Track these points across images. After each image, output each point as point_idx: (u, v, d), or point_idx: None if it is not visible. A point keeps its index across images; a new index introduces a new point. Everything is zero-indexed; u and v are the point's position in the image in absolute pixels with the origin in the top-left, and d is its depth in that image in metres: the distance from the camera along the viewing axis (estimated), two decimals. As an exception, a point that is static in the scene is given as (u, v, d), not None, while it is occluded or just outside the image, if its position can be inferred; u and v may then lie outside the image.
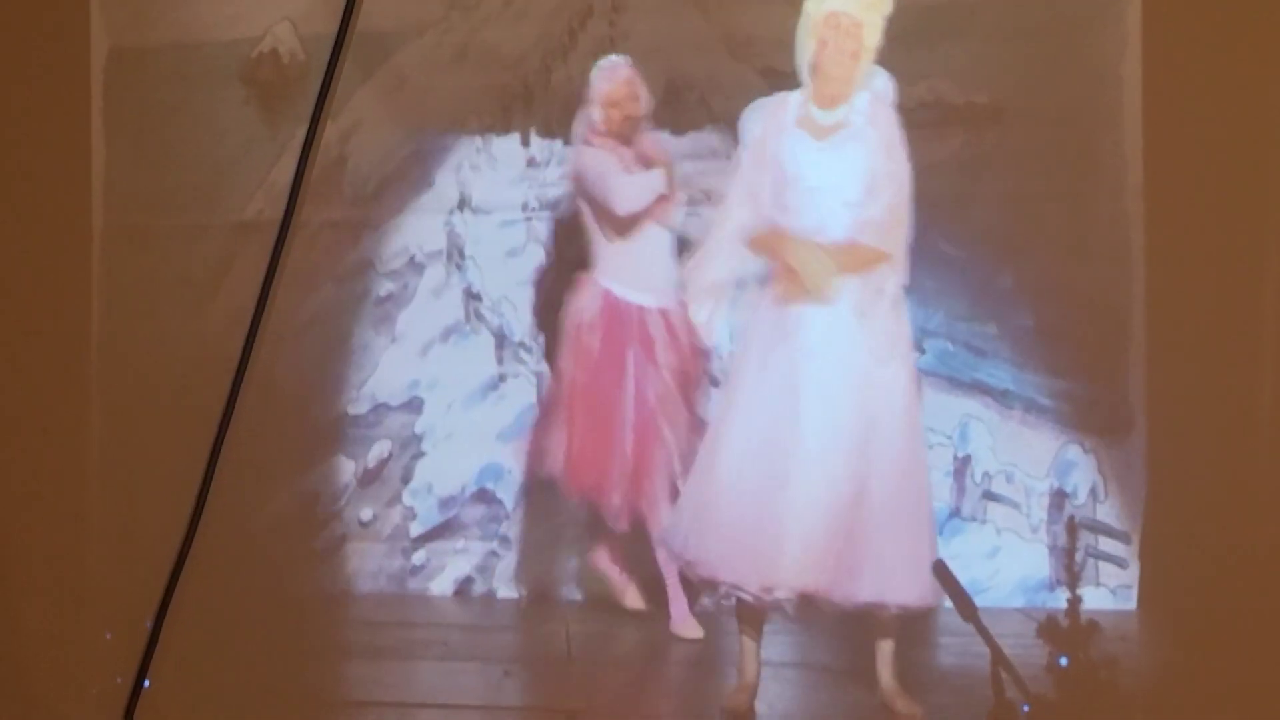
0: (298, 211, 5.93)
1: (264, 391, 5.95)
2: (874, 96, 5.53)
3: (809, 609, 5.44)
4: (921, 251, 5.54)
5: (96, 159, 6.12)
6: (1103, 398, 5.47)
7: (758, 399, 5.51)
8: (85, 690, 5.98)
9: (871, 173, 5.48)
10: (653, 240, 5.81)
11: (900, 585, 5.38)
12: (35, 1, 6.11)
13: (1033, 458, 5.53)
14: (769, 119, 5.58)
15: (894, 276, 5.46)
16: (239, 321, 5.93)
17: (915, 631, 5.50)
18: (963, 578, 5.35)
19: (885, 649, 5.47)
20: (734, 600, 5.53)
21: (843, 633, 5.53)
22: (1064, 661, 5.31)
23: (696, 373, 5.81)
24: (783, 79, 5.67)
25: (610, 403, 5.82)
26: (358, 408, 5.94)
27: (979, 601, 5.33)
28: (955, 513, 5.59)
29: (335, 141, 5.96)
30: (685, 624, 5.73)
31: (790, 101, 5.58)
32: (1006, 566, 5.48)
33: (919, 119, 5.60)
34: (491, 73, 5.87)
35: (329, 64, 5.91)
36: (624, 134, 5.80)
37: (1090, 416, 5.48)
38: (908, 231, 5.48)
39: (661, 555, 5.70)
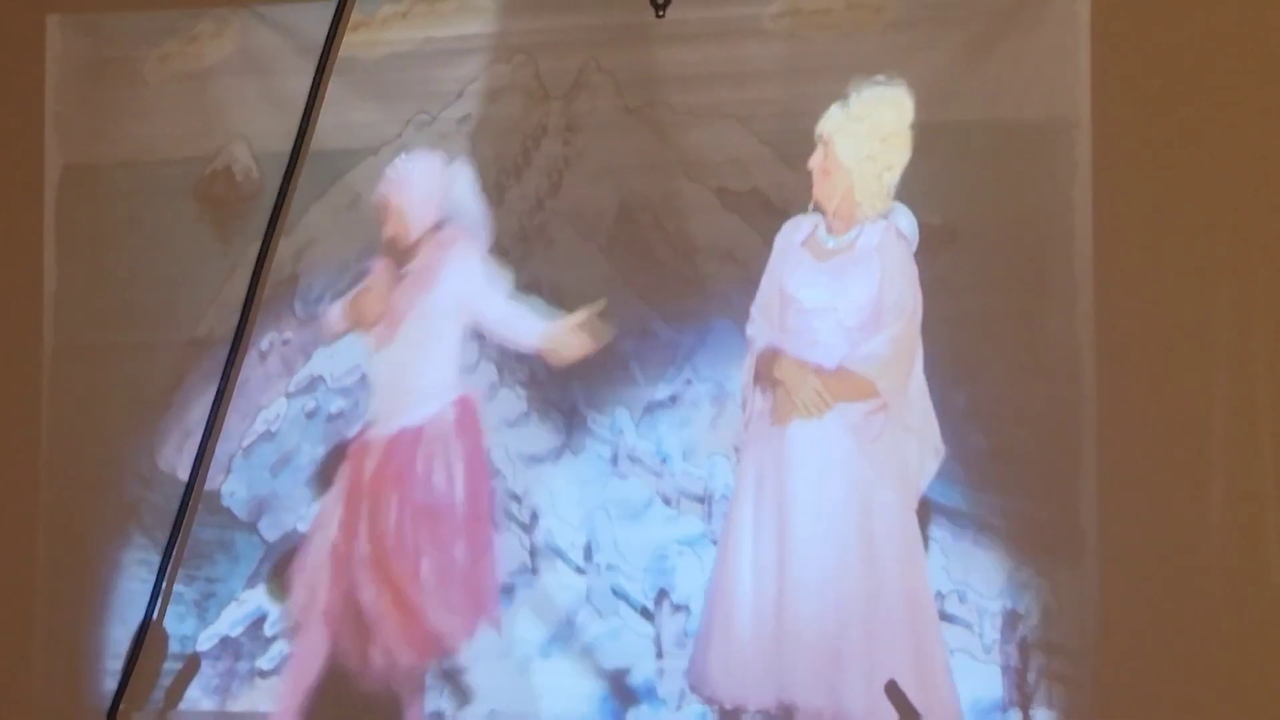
0: (249, 329, 5.93)
1: (214, 509, 5.95)
2: (890, 228, 5.54)
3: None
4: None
5: (48, 275, 6.12)
6: (1055, 518, 5.45)
7: (753, 517, 5.51)
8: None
9: (874, 302, 5.49)
10: None
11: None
12: (-12, 117, 6.16)
13: (986, 578, 5.49)
14: (783, 237, 5.62)
15: (893, 407, 5.47)
16: (190, 439, 5.94)
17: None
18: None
19: None
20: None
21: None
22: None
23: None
24: (737, 199, 5.70)
25: None
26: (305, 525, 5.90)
27: (932, 723, 5.33)
28: (909, 633, 5.58)
29: (288, 259, 5.97)
30: None
31: (804, 223, 5.61)
32: (960, 686, 5.44)
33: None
34: (447, 190, 5.88)
35: (283, 181, 5.92)
36: None
37: (1043, 537, 5.46)
38: (913, 366, 5.49)
39: None
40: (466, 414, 5.75)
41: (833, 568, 5.42)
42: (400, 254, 5.79)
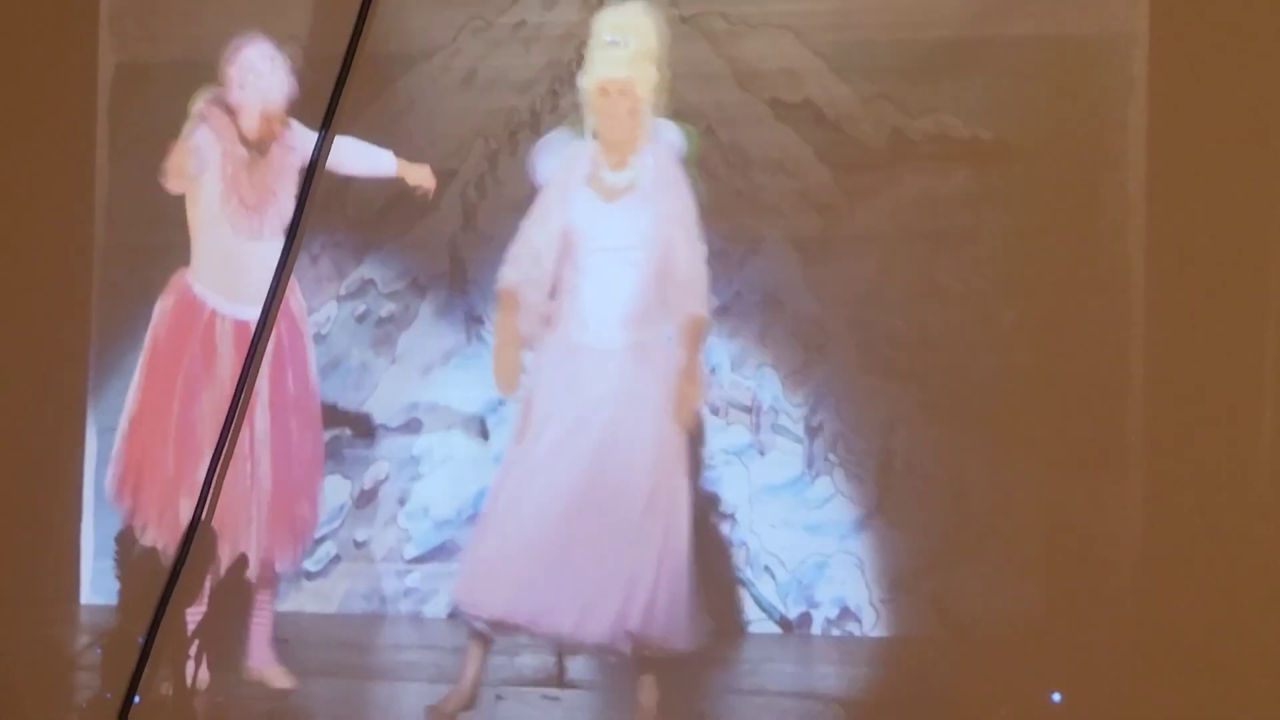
0: (301, 231, 5.94)
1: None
2: (661, 153, 5.67)
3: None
4: (925, 285, 5.60)
5: (100, 175, 6.12)
6: (1102, 434, 5.47)
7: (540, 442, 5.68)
8: (75, 704, 5.97)
9: (661, 238, 5.62)
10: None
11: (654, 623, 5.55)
12: (43, 16, 6.13)
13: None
14: (562, 170, 5.71)
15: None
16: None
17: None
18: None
19: (648, 682, 5.60)
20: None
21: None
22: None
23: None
24: (790, 110, 5.70)
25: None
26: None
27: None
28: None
29: (344, 162, 6.00)
30: None
31: (582, 157, 5.70)
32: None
33: (923, 152, 5.63)
34: (499, 97, 5.87)
35: (336, 84, 5.91)
36: None
37: (1089, 453, 5.49)
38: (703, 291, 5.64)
39: None
40: None
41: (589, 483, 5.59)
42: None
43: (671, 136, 5.69)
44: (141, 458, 6.00)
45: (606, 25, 5.72)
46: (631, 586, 5.55)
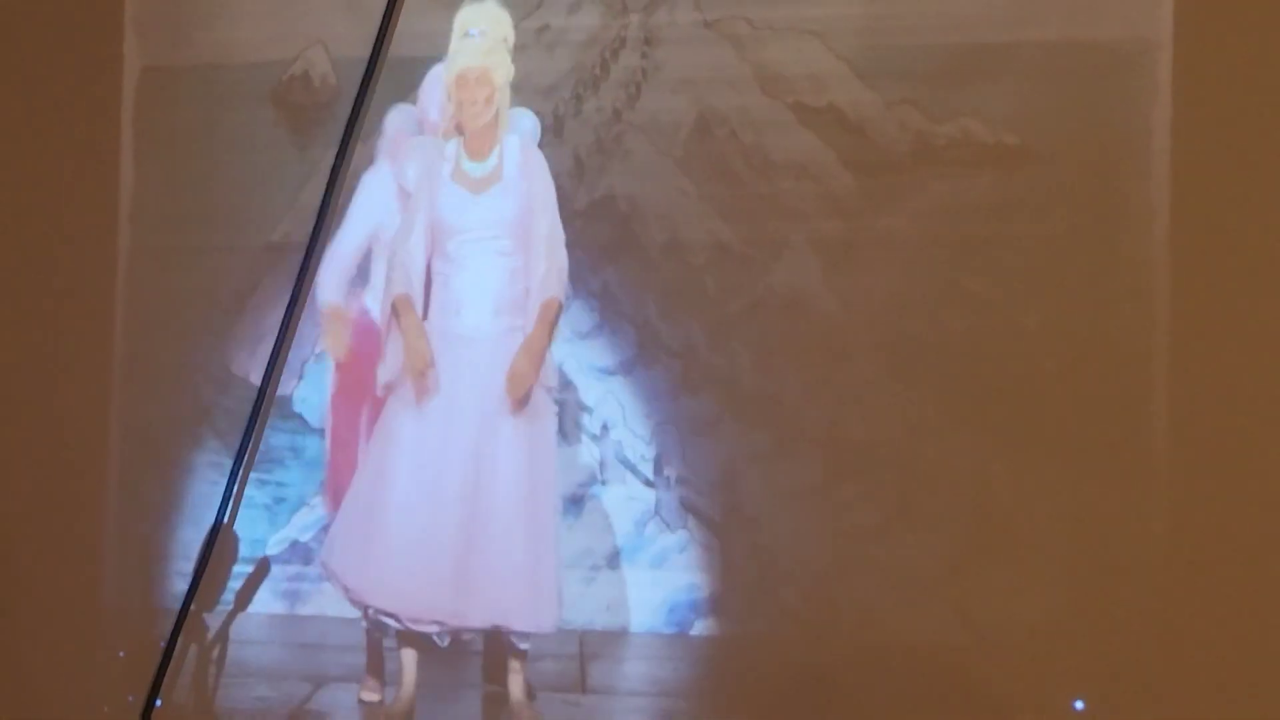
0: (325, 234, 5.95)
1: (286, 414, 5.99)
2: (522, 141, 5.78)
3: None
4: (948, 290, 5.58)
5: (125, 177, 6.13)
6: (1125, 441, 5.45)
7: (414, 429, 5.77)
8: (97, 708, 5.98)
9: (525, 226, 5.73)
10: None
11: (516, 610, 5.68)
12: (69, 20, 6.15)
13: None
14: (425, 166, 5.81)
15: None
16: (263, 343, 5.97)
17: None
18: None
19: (515, 667, 5.73)
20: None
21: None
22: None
23: None
24: (813, 114, 5.69)
25: None
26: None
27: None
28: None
29: (364, 165, 5.97)
30: None
31: (445, 152, 5.80)
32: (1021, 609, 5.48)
33: (947, 157, 5.62)
34: (522, 101, 5.85)
35: (360, 88, 5.93)
36: None
37: (1112, 459, 5.47)
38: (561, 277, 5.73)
39: None
40: None
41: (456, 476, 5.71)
42: None
43: (528, 124, 5.80)
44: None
45: (465, 20, 5.82)
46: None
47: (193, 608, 5.90)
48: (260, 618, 5.95)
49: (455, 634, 5.74)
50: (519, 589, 5.69)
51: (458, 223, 5.77)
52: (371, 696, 5.84)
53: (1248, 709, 5.28)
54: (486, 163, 5.79)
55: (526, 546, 5.69)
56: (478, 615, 5.70)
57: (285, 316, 5.92)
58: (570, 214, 5.82)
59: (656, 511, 5.76)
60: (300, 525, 5.97)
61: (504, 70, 5.80)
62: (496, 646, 5.75)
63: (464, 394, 5.74)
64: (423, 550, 5.72)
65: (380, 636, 5.82)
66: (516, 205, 5.77)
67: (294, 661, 5.92)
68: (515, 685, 5.73)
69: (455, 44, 5.83)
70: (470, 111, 5.79)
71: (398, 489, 5.75)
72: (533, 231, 5.75)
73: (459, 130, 5.82)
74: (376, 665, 5.84)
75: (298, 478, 5.98)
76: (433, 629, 5.72)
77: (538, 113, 5.85)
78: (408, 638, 5.78)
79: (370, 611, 5.78)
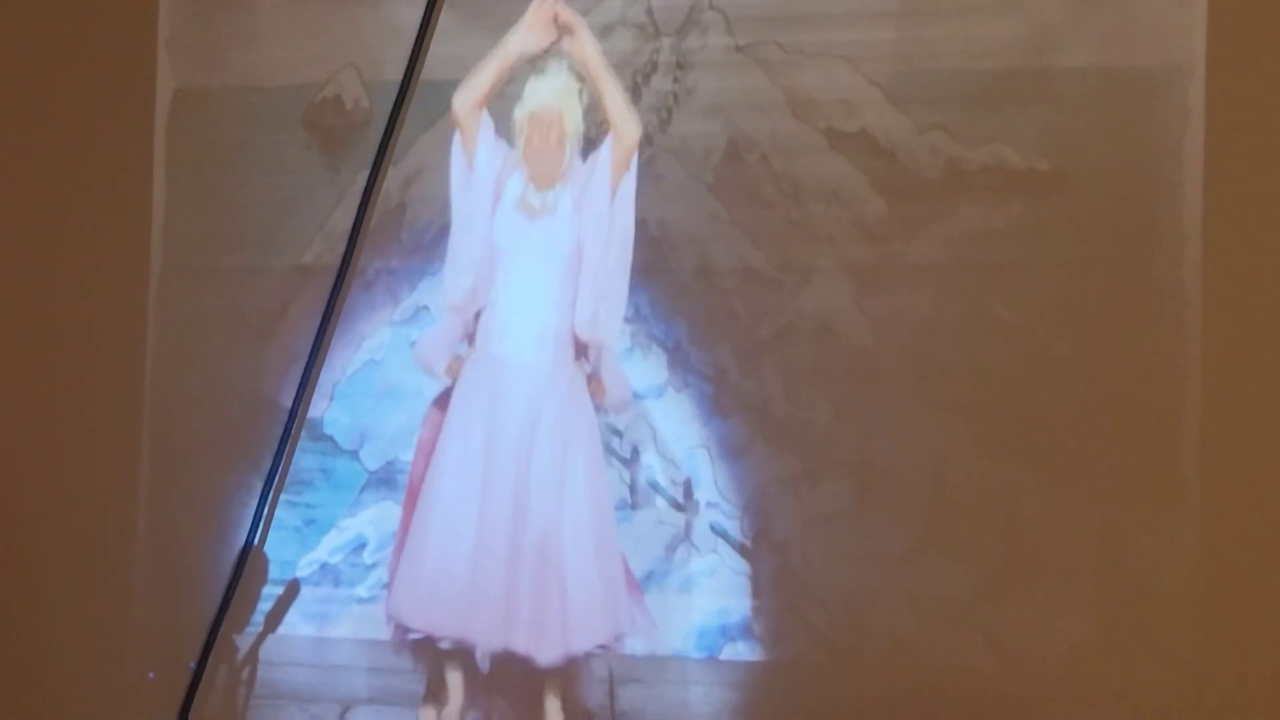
0: (356, 257, 5.96)
1: (316, 435, 6.00)
2: (595, 173, 5.73)
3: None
4: (979, 316, 5.58)
5: (157, 198, 6.15)
6: (1156, 467, 5.45)
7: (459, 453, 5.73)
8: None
9: (578, 256, 5.71)
10: None
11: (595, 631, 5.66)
12: (103, 41, 6.17)
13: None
14: (496, 177, 5.77)
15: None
16: (294, 365, 5.99)
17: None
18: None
19: (553, 704, 5.70)
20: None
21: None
22: None
23: None
24: (845, 139, 5.69)
25: None
26: (410, 453, 5.91)
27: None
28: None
29: (396, 189, 5.98)
30: None
31: (516, 176, 5.77)
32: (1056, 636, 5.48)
33: (979, 183, 5.62)
34: (554, 125, 5.88)
35: (392, 111, 5.94)
36: None
37: (1143, 485, 5.46)
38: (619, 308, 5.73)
39: None
40: None
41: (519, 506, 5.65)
42: None
43: (604, 158, 5.75)
44: None
45: (550, 61, 5.80)
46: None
47: (222, 629, 5.93)
48: (290, 639, 5.97)
49: (496, 657, 5.70)
50: (595, 612, 5.64)
51: (511, 247, 5.76)
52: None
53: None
54: (549, 192, 5.76)
55: (598, 568, 5.65)
56: (551, 639, 5.63)
57: (316, 339, 5.94)
58: (601, 237, 5.84)
59: (686, 535, 5.76)
60: (330, 547, 5.99)
61: (576, 119, 5.77)
62: (531, 670, 5.71)
63: (506, 418, 5.69)
64: (476, 574, 5.65)
65: (437, 660, 5.79)
66: (569, 238, 5.73)
67: (323, 683, 5.93)
68: (552, 708, 5.71)
69: (531, 81, 5.81)
70: (539, 151, 5.76)
71: (443, 518, 5.70)
72: (583, 266, 5.72)
73: (525, 162, 5.78)
74: (437, 690, 5.80)
75: (328, 499, 5.99)
76: (489, 651, 5.66)
77: (570, 135, 5.89)
78: (454, 659, 5.76)
79: (415, 636, 5.74)
